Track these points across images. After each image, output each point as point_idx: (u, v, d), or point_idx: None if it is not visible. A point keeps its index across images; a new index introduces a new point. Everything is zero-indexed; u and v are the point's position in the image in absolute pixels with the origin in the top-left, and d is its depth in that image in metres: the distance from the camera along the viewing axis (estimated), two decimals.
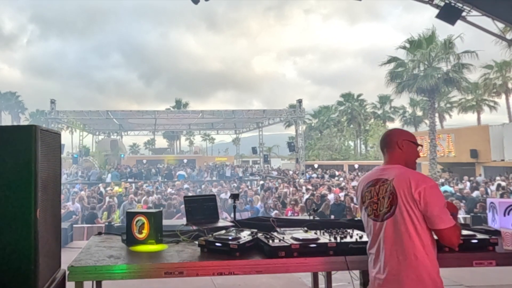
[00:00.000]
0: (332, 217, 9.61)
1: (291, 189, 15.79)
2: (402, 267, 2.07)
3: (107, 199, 13.80)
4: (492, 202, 3.27)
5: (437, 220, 2.04)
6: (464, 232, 2.66)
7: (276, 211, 10.98)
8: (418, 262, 2.05)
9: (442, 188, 16.31)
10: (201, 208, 3.12)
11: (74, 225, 10.18)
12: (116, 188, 16.95)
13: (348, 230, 2.83)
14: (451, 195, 12.43)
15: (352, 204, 10.82)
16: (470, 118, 41.85)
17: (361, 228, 2.93)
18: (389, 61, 23.90)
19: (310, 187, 16.58)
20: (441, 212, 2.05)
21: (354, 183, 18.43)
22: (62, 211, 10.05)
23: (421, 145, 2.42)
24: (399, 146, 2.29)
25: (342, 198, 11.81)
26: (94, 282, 2.42)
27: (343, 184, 17.75)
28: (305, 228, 2.94)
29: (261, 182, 21.79)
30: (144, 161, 33.94)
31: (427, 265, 2.05)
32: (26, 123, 45.22)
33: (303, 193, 14.44)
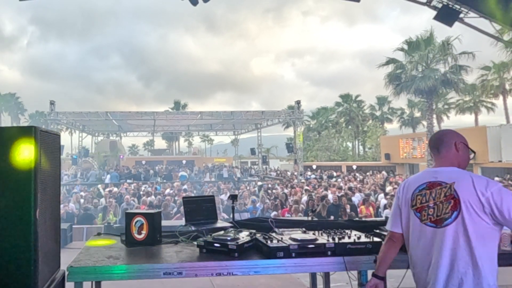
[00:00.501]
0: (332, 217, 9.62)
1: (287, 190, 15.82)
2: (463, 277, 1.94)
3: (104, 200, 13.81)
4: None
5: None
6: None
7: (274, 212, 11.00)
8: (480, 273, 1.92)
9: None
10: (200, 209, 3.13)
11: (74, 226, 10.20)
12: (115, 189, 16.96)
13: (346, 231, 2.84)
14: None
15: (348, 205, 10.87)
16: (467, 119, 42.06)
17: (359, 229, 2.96)
18: (387, 63, 23.98)
19: (308, 188, 16.58)
20: None
21: (350, 184, 18.50)
22: (62, 211, 10.09)
23: (475, 152, 2.32)
24: (456, 148, 2.18)
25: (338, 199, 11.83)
26: (94, 282, 2.44)
27: (341, 185, 17.77)
28: (303, 229, 2.95)
29: (260, 183, 21.82)
30: (143, 162, 34.01)
31: (488, 276, 1.92)
32: (25, 124, 45.24)
33: (302, 193, 14.44)
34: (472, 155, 2.25)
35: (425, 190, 2.13)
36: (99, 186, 18.63)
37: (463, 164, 2.18)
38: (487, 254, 1.94)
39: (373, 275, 2.32)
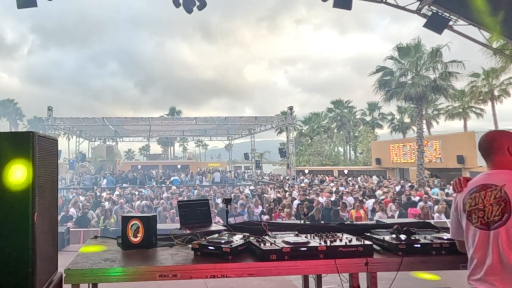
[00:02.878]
0: (322, 222, 9.70)
1: (279, 194, 15.88)
2: None
3: (104, 203, 13.89)
4: None
5: None
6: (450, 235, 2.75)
7: (267, 216, 11.06)
8: None
9: (432, 191, 16.66)
10: (195, 213, 3.18)
11: (71, 229, 10.24)
12: (116, 193, 17.06)
13: (338, 234, 2.87)
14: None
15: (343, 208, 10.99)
16: (456, 124, 42.48)
17: (350, 232, 3.02)
18: (377, 71, 24.26)
19: (301, 192, 16.66)
20: None
21: (341, 188, 18.64)
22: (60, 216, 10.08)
23: None
24: (510, 152, 2.10)
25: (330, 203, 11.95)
26: (90, 284, 2.46)
27: (334, 189, 17.88)
28: (296, 232, 3.00)
29: (251, 187, 21.90)
30: (139, 167, 34.10)
31: None
32: (24, 129, 45.42)
33: (294, 198, 14.51)
34: None
35: (476, 193, 2.10)
36: (96, 190, 18.66)
37: None
38: None
39: None
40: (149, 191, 18.18)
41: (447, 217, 10.17)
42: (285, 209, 11.23)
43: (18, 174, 2.18)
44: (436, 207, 11.50)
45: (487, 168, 2.18)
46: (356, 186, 19.59)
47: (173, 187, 19.71)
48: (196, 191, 18.18)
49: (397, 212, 11.16)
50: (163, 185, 22.51)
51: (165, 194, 16.59)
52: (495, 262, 1.95)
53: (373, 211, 11.56)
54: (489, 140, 2.19)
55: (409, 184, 20.59)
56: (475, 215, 2.07)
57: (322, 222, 9.72)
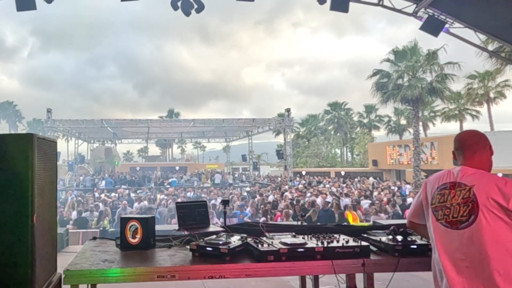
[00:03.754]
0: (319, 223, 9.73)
1: (277, 196, 15.91)
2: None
3: (101, 205, 13.88)
4: None
5: None
6: None
7: (264, 218, 11.07)
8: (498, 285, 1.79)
9: None
10: (193, 214, 3.20)
11: (70, 230, 10.25)
12: (113, 194, 17.04)
13: (335, 235, 2.89)
14: None
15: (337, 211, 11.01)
16: (452, 126, 42.65)
17: (347, 233, 3.04)
18: (374, 74, 24.38)
19: (297, 194, 16.68)
20: None
21: (333, 188, 18.71)
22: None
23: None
24: (491, 151, 2.11)
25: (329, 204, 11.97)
26: (89, 285, 2.47)
27: (331, 189, 17.94)
28: (293, 233, 3.02)
29: (247, 189, 21.97)
30: (138, 168, 34.19)
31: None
32: (23, 131, 45.40)
33: (290, 199, 14.53)
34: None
35: (445, 190, 2.08)
36: (95, 191, 18.67)
37: (491, 168, 2.11)
38: (504, 264, 1.81)
39: None
40: (148, 193, 18.17)
41: None
42: (284, 210, 11.23)
43: (18, 175, 2.19)
44: None
45: (459, 163, 2.16)
46: (353, 188, 19.65)
47: (170, 189, 19.73)
48: (190, 193, 18.22)
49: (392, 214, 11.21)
50: (161, 186, 22.56)
51: (161, 196, 16.58)
52: (456, 266, 1.93)
53: (369, 212, 11.59)
54: (472, 136, 2.18)
55: (407, 185, 20.66)
56: (442, 211, 2.06)
57: (319, 223, 9.74)
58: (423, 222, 2.29)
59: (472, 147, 2.13)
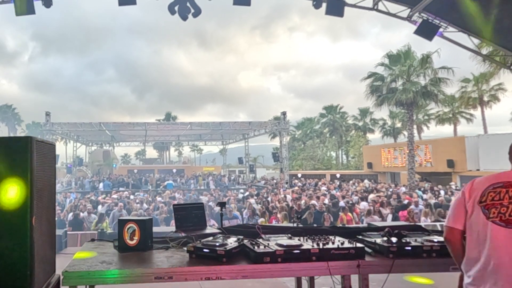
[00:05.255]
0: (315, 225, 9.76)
1: (273, 197, 15.92)
2: None
3: (100, 207, 13.88)
4: None
5: None
6: (440, 238, 2.79)
7: (261, 219, 11.09)
8: None
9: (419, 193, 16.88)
10: (190, 216, 3.22)
11: (68, 232, 10.26)
12: (114, 196, 17.01)
13: (330, 237, 2.93)
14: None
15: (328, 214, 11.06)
16: (447, 129, 43.04)
17: (342, 235, 3.08)
18: (369, 76, 24.50)
19: (292, 196, 16.71)
20: None
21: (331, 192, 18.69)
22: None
23: None
24: None
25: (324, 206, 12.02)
26: (88, 286, 2.49)
27: (326, 192, 17.97)
28: (289, 235, 3.05)
29: (241, 190, 22.00)
30: (135, 171, 34.26)
31: None
32: (22, 134, 45.51)
33: (286, 202, 14.56)
34: None
35: (501, 188, 2.03)
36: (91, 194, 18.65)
37: None
38: None
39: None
40: (147, 195, 18.17)
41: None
42: (282, 212, 11.26)
43: (17, 178, 2.21)
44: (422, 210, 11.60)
45: None
46: (349, 191, 19.71)
47: (167, 191, 19.72)
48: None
49: (389, 215, 11.26)
50: (158, 189, 22.57)
51: (158, 198, 16.57)
52: (506, 260, 1.91)
53: (367, 213, 11.64)
54: None
55: (402, 187, 20.75)
56: (496, 209, 1.99)
57: (315, 225, 9.77)
58: (463, 228, 2.16)
59: None
